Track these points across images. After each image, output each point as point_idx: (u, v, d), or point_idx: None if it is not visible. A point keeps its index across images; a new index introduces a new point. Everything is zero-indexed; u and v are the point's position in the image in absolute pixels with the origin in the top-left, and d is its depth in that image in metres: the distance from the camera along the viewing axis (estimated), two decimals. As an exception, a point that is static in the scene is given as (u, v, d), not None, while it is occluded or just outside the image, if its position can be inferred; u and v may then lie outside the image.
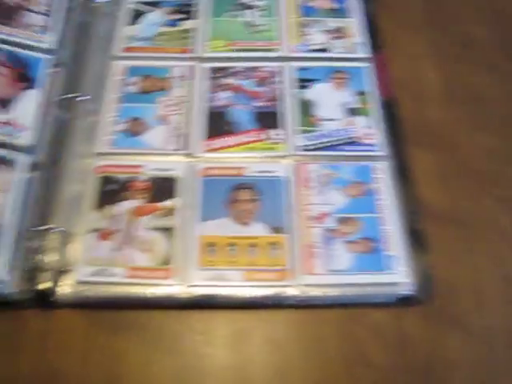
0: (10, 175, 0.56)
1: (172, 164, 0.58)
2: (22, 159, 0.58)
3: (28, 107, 0.60)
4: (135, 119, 0.61)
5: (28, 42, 0.65)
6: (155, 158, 0.59)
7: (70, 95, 0.61)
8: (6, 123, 0.59)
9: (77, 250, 0.54)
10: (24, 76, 0.62)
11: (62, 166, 0.58)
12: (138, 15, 0.69)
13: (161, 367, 0.50)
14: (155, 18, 0.68)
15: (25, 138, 0.59)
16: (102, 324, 0.52)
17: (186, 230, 0.55)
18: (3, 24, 0.66)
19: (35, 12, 0.67)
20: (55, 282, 0.53)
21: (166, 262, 0.53)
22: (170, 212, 0.55)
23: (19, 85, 0.62)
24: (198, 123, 0.60)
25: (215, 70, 0.64)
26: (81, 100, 0.62)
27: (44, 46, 0.65)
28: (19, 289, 0.52)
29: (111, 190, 0.57)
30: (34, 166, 0.58)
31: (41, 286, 0.52)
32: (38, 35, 0.65)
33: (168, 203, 0.56)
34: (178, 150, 0.59)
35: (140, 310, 0.52)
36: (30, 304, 0.52)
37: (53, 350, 0.51)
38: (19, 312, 0.52)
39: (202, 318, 0.53)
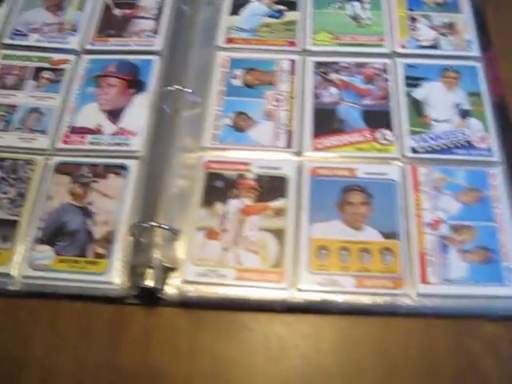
0: (122, 181, 0.56)
1: (280, 162, 0.56)
2: (133, 165, 0.57)
3: (138, 112, 0.60)
4: (240, 114, 0.58)
5: (138, 48, 0.64)
6: (263, 156, 0.56)
7: (173, 87, 0.59)
8: (117, 133, 0.58)
9: (184, 248, 0.52)
10: (134, 82, 0.62)
11: (167, 160, 0.56)
12: (240, 5, 0.66)
13: (266, 371, 0.48)
14: (257, 8, 0.65)
15: (135, 145, 0.58)
16: (207, 325, 0.50)
17: (296, 231, 0.52)
18: (114, 36, 0.65)
19: (144, 18, 0.66)
20: (161, 280, 0.51)
21: (277, 264, 0.51)
22: (279, 212, 0.53)
23: (130, 91, 0.61)
24: (306, 120, 0.58)
25: (321, 65, 0.61)
26: (184, 92, 0.59)
27: (154, 48, 0.64)
28: (125, 285, 0.51)
29: (219, 187, 0.55)
30: (141, 162, 0.56)
31: (147, 283, 0.50)
32: (147, 39, 0.64)
33: (277, 203, 0.54)
34: (286, 147, 0.56)
35: (247, 312, 0.50)
36: (135, 300, 0.51)
37: (156, 349, 0.50)
38: (124, 308, 0.51)
39: (311, 322, 0.51)
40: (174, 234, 0.52)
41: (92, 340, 0.50)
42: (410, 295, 0.50)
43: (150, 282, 0.50)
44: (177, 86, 0.59)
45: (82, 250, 0.52)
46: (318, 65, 0.61)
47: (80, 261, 0.52)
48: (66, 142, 0.58)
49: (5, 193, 0.56)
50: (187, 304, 0.51)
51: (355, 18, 0.65)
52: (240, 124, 0.58)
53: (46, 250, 0.53)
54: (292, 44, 0.63)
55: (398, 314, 0.50)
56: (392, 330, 0.50)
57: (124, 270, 0.52)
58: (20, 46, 0.65)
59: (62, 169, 0.57)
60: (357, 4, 0.65)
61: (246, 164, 0.56)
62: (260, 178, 0.55)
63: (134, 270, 0.51)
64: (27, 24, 0.66)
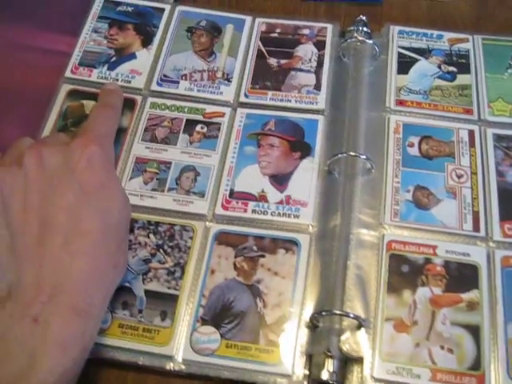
0: (293, 259, 0.53)
1: (468, 248, 0.53)
2: (305, 240, 0.54)
3: (305, 179, 0.57)
4: (421, 188, 0.56)
5: (299, 105, 0.61)
6: (448, 238, 0.54)
7: (346, 154, 0.56)
8: (284, 202, 0.56)
9: (370, 339, 0.50)
10: (299, 144, 0.59)
11: (343, 236, 0.54)
12: (407, 62, 0.64)
13: None
14: (427, 67, 0.63)
15: (306, 217, 0.55)
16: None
17: (492, 329, 0.50)
18: (271, 89, 0.62)
19: (303, 70, 0.63)
20: (342, 373, 0.49)
21: (474, 366, 0.49)
22: (472, 305, 0.51)
23: (294, 155, 0.58)
24: (492, 201, 0.55)
25: (502, 138, 0.59)
26: (357, 158, 0.56)
27: (317, 106, 0.61)
28: (301, 377, 0.49)
29: (404, 272, 0.52)
30: (315, 237, 0.54)
31: (325, 376, 0.48)
32: (309, 95, 0.61)
33: (469, 295, 0.51)
34: (473, 231, 0.54)
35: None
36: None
37: None
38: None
39: None
40: (359, 323, 0.50)
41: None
42: None
43: (328, 375, 0.48)
44: (351, 153, 0.56)
45: (253, 335, 0.50)
46: (499, 138, 0.59)
47: (250, 347, 0.50)
48: (225, 208, 0.55)
49: (161, 262, 0.53)
50: (371, 401, 0.49)
51: (532, 86, 0.62)
52: (422, 200, 0.55)
53: (212, 333, 0.50)
54: (468, 112, 0.60)
55: None
56: None
57: (300, 360, 0.49)
58: (169, 93, 0.62)
59: (224, 239, 0.54)
60: (533, 70, 0.63)
61: (432, 247, 0.53)
62: (447, 265, 0.53)
63: (312, 361, 0.49)
64: (176, 69, 0.63)
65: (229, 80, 0.63)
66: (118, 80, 0.63)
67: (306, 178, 0.57)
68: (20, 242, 0.45)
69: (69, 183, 0.47)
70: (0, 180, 0.47)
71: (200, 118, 0.61)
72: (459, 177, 0.57)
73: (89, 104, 0.61)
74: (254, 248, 0.54)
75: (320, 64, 0.63)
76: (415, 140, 0.59)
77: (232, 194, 0.56)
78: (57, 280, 0.43)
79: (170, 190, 0.57)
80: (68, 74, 0.64)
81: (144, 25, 0.66)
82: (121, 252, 0.49)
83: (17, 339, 0.41)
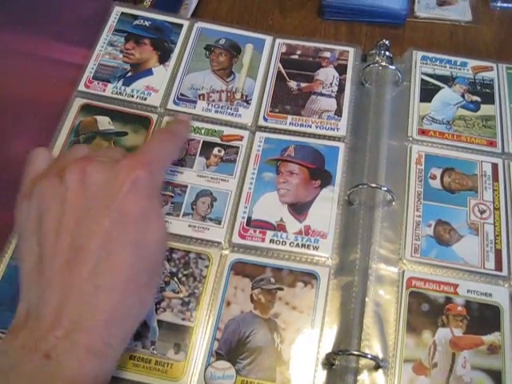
0: (312, 293, 0.52)
1: (490, 287, 0.52)
2: (325, 274, 0.53)
3: (325, 209, 0.56)
4: (443, 223, 0.55)
5: (320, 131, 0.60)
6: (470, 277, 0.53)
7: (367, 185, 0.55)
8: (303, 232, 0.55)
9: (386, 382, 0.49)
10: (319, 172, 0.58)
11: (361, 271, 0.53)
12: (429, 90, 0.63)
13: None
14: (450, 96, 0.62)
15: (325, 249, 0.54)
16: None
17: (514, 373, 0.49)
18: (290, 113, 0.61)
19: (323, 95, 0.62)
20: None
21: (494, 411, 0.48)
22: (493, 349, 0.50)
23: (313, 183, 0.57)
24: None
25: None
26: (374, 190, 0.55)
27: (338, 133, 0.59)
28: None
29: (424, 312, 0.51)
30: (334, 270, 0.53)
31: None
32: (329, 121, 0.60)
33: (490, 337, 0.50)
34: (495, 270, 0.53)
35: None
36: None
37: None
38: None
39: None
40: (377, 363, 0.49)
41: None
42: None
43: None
44: (372, 184, 0.55)
45: (269, 372, 0.49)
46: (522, 179, 0.58)
47: (266, 386, 0.49)
48: (243, 237, 0.54)
49: (175, 291, 0.52)
50: None
51: (555, 118, 0.61)
52: (443, 236, 0.55)
53: (227, 368, 0.49)
54: (492, 144, 0.59)
55: None
56: None
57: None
58: (186, 113, 0.60)
59: (241, 269, 0.53)
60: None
61: (453, 285, 0.52)
62: (469, 305, 0.52)
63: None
64: (193, 88, 0.62)
65: (248, 102, 0.61)
66: (133, 96, 0.61)
67: (326, 207, 0.56)
68: (48, 263, 0.42)
69: (107, 207, 0.44)
70: (40, 193, 0.45)
71: (217, 140, 0.59)
72: (482, 212, 0.56)
73: (102, 120, 0.59)
74: (272, 280, 0.52)
75: (341, 89, 0.62)
76: (437, 172, 0.58)
77: (249, 221, 0.55)
78: (77, 314, 0.41)
79: (185, 214, 0.55)
80: (81, 87, 0.62)
81: (161, 40, 0.65)
82: (150, 287, 0.46)
83: (26, 373, 0.39)
